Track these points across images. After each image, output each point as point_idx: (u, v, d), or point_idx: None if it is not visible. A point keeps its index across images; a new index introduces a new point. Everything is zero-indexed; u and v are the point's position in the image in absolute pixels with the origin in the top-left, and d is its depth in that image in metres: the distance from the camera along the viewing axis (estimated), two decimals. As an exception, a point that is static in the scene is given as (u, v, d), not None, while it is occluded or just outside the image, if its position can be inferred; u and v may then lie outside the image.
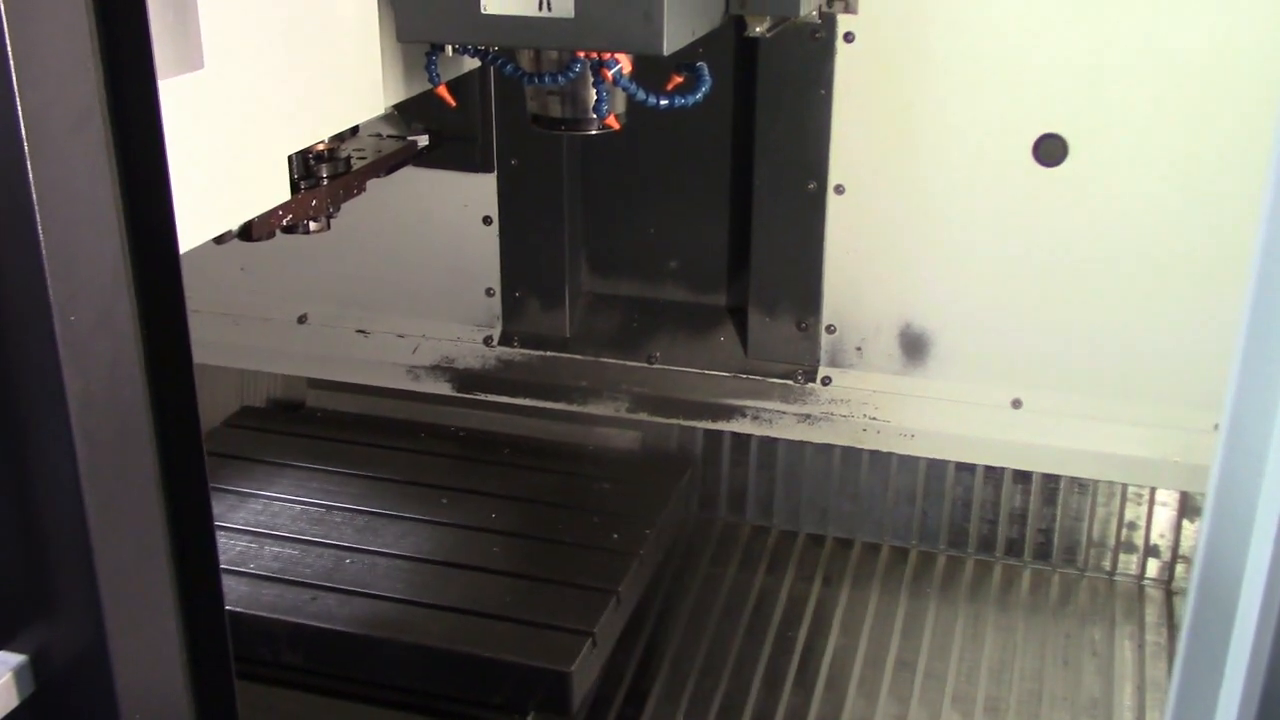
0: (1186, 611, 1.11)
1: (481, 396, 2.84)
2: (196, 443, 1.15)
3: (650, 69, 2.01)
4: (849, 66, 2.43)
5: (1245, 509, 1.04)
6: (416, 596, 2.33)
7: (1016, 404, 2.57)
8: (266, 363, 3.01)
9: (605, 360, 2.78)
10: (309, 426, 2.99)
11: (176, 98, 1.47)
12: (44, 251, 0.98)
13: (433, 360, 2.86)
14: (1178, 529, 2.70)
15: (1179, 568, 2.71)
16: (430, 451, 2.86)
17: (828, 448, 2.78)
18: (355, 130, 2.22)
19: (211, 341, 2.93)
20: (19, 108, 0.95)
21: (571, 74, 1.91)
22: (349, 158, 2.07)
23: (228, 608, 1.23)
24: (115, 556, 1.10)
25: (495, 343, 2.82)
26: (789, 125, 2.49)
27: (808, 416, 2.66)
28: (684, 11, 1.78)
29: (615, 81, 1.91)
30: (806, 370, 2.66)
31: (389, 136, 2.41)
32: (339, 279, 2.88)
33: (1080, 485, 2.71)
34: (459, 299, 2.82)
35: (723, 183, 2.66)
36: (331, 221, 2.03)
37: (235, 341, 2.95)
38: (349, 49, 1.86)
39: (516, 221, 2.72)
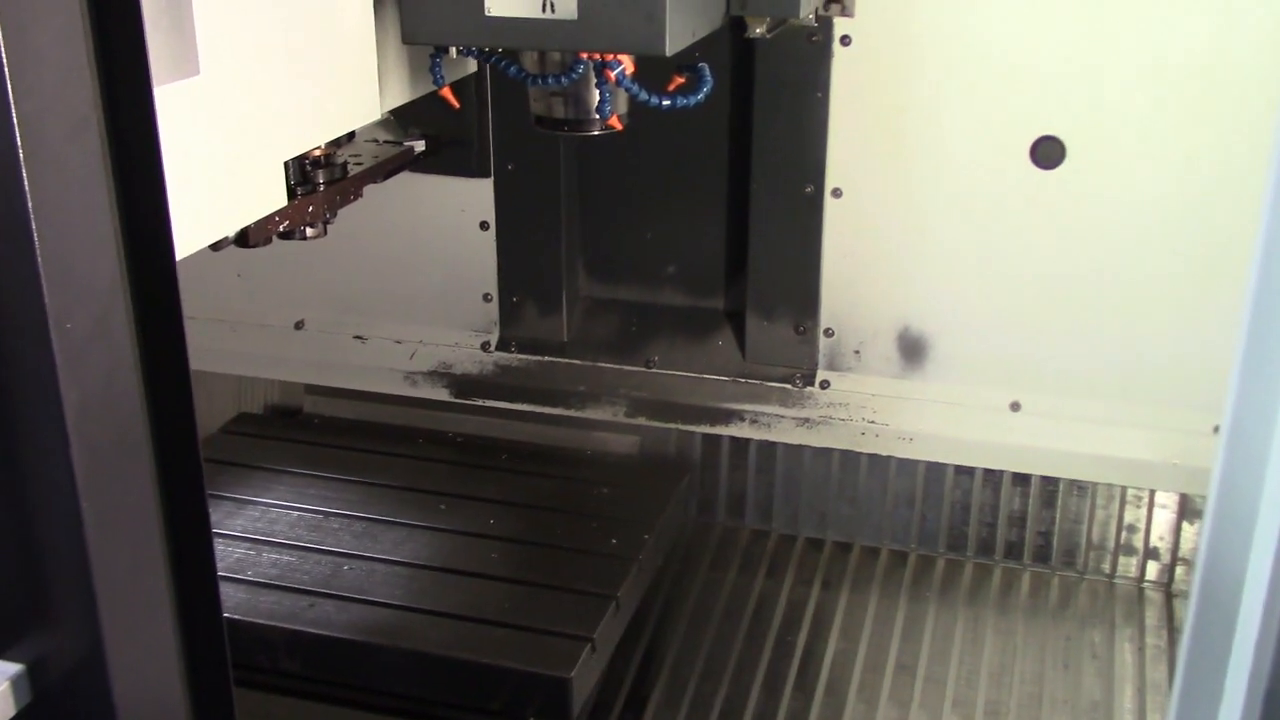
0: (1188, 615, 1.10)
1: (479, 402, 2.84)
2: (194, 450, 1.15)
3: (651, 70, 2.03)
4: (846, 70, 2.43)
5: (1246, 511, 1.04)
6: (415, 603, 2.32)
7: (1015, 407, 2.57)
8: (264, 369, 3.01)
9: (603, 365, 2.77)
10: (306, 433, 2.99)
11: (172, 104, 1.47)
12: (40, 259, 0.98)
13: (430, 366, 2.85)
14: (1177, 531, 2.70)
15: (1179, 570, 2.70)
16: (428, 457, 2.85)
17: (826, 451, 2.78)
18: (352, 136, 2.22)
19: (209, 348, 2.93)
20: (14, 115, 0.94)
21: (574, 75, 1.93)
22: (345, 163, 2.07)
23: (225, 615, 1.22)
24: (112, 564, 1.09)
25: (493, 348, 2.82)
26: (786, 129, 2.49)
27: (806, 420, 2.66)
28: (686, 12, 1.80)
29: (618, 82, 1.94)
30: (805, 374, 2.66)
31: (385, 142, 2.40)
32: (336, 285, 2.87)
33: (1079, 488, 2.71)
34: (456, 304, 2.82)
35: (720, 187, 2.66)
36: (328, 227, 2.03)
37: (232, 348, 2.95)
38: (345, 54, 1.86)
39: (513, 226, 2.72)
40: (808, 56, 2.43)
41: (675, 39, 1.77)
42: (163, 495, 1.15)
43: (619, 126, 2.07)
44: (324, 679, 2.27)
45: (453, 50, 1.98)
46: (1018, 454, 2.59)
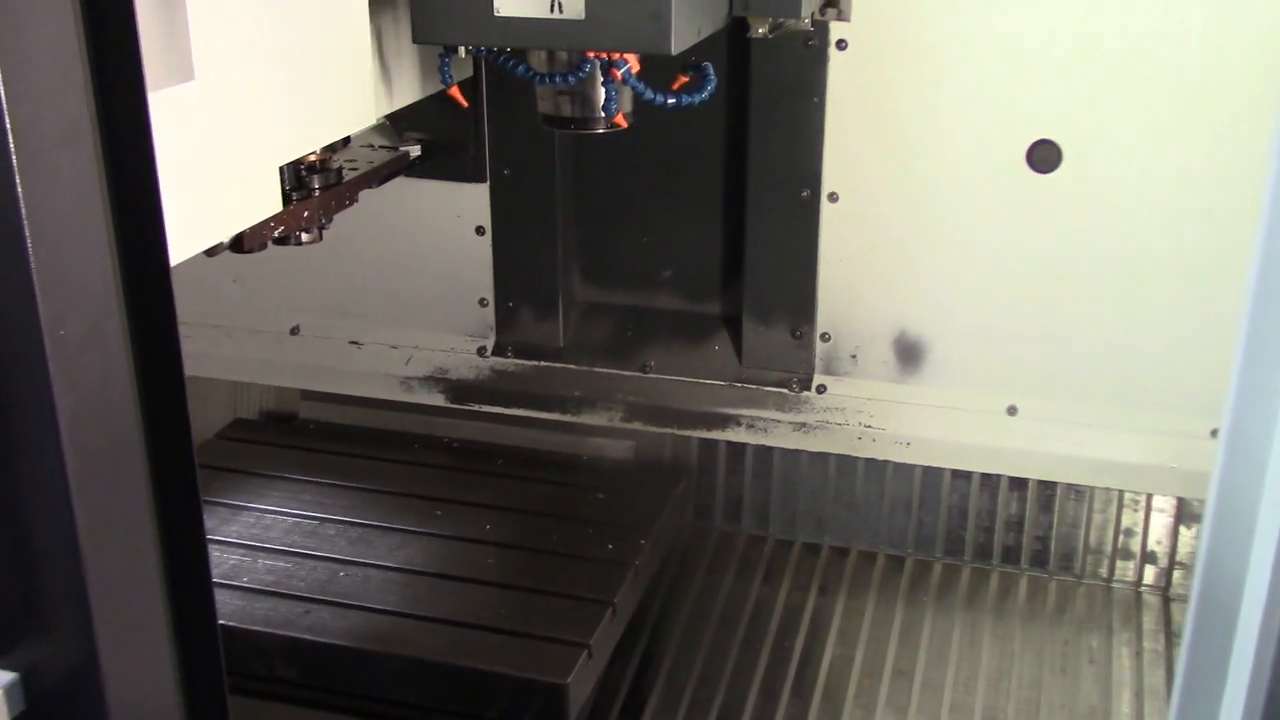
0: (1188, 620, 1.10)
1: (475, 407, 2.83)
2: (188, 456, 1.14)
3: (654, 71, 2.07)
4: (842, 74, 2.43)
5: (1246, 515, 1.03)
6: (411, 609, 2.32)
7: (1012, 411, 2.56)
8: (259, 375, 3.00)
9: (599, 370, 2.77)
10: (302, 438, 2.98)
11: (167, 110, 1.46)
12: (33, 265, 0.97)
13: (426, 371, 2.85)
14: (1174, 535, 2.70)
15: (1176, 574, 2.70)
16: (424, 463, 2.85)
17: (823, 456, 2.78)
18: (347, 141, 2.22)
19: (203, 354, 2.92)
20: (8, 121, 0.94)
21: (581, 74, 1.98)
22: (340, 169, 2.07)
23: (221, 622, 1.22)
24: (107, 571, 1.09)
25: (489, 353, 2.81)
26: (782, 133, 2.49)
27: (803, 425, 2.66)
28: (690, 12, 1.85)
29: (624, 81, 1.99)
30: (801, 379, 2.66)
31: (381, 147, 2.40)
32: (331, 290, 2.87)
33: (1076, 492, 2.71)
34: (452, 309, 2.82)
35: (716, 191, 2.65)
36: (323, 233, 2.02)
37: (227, 354, 2.94)
38: (340, 60, 1.86)
39: (509, 231, 2.72)
40: (804, 61, 2.43)
41: (680, 38, 1.81)
42: (157, 501, 1.14)
43: (625, 125, 2.11)
44: (320, 686, 2.27)
45: (461, 50, 2.01)
46: (1015, 458, 2.59)
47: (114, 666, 1.11)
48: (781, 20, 2.13)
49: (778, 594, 2.71)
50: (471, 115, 2.55)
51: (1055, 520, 2.73)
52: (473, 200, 2.70)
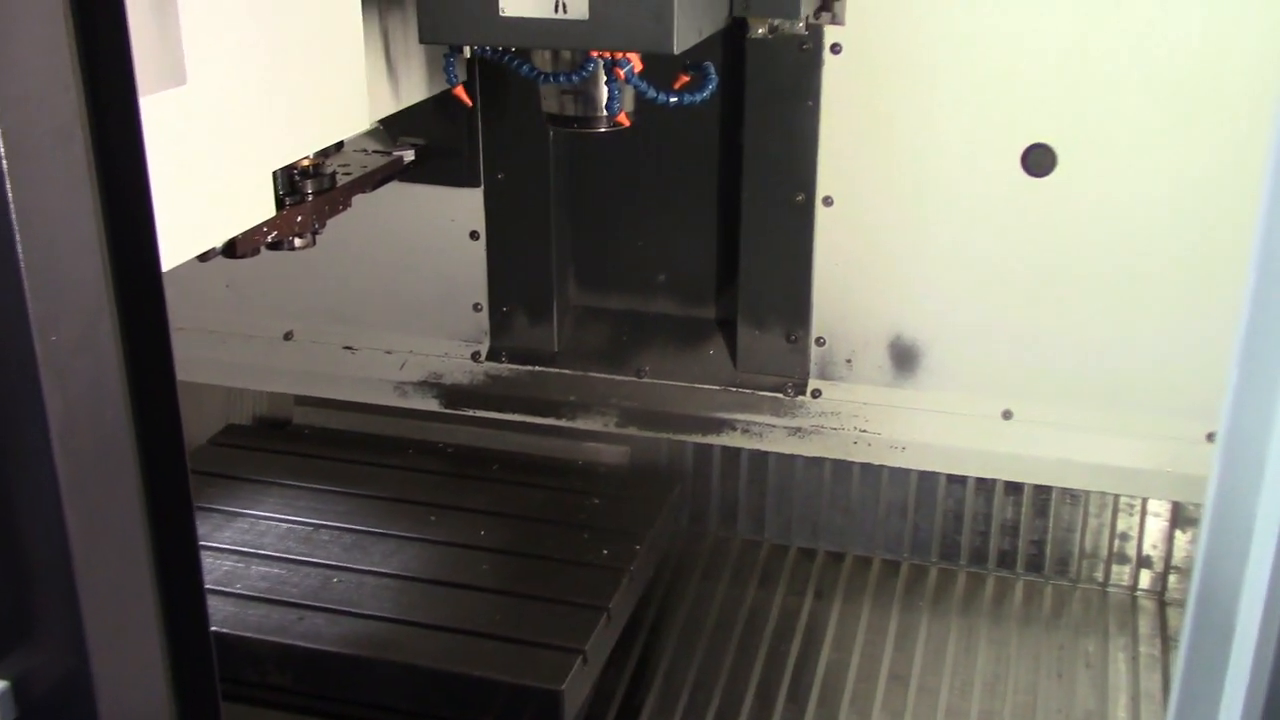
0: (1186, 624, 1.10)
1: (469, 412, 2.82)
2: (180, 462, 1.14)
3: (654, 71, 2.11)
4: (836, 78, 2.43)
5: (1244, 519, 1.03)
6: (405, 615, 2.31)
7: (1007, 415, 2.56)
8: (252, 380, 2.99)
9: (594, 375, 2.76)
10: (295, 444, 2.98)
11: (159, 114, 1.46)
12: (23, 270, 0.97)
13: (420, 376, 2.84)
14: (1170, 539, 2.69)
15: (1172, 578, 2.70)
16: (418, 468, 2.84)
17: (818, 461, 2.77)
18: (340, 146, 2.21)
19: (196, 359, 2.91)
20: (-2, 124, 0.93)
21: (585, 73, 2.03)
22: (334, 173, 2.06)
23: (214, 629, 1.21)
24: (98, 578, 1.08)
25: (483, 358, 2.81)
26: (777, 137, 2.49)
27: (798, 430, 2.65)
28: (692, 12, 1.89)
29: (627, 80, 2.04)
30: (796, 383, 2.65)
31: (374, 152, 2.40)
32: (325, 295, 2.86)
33: (1072, 496, 2.71)
34: (446, 314, 2.81)
35: (711, 195, 2.65)
36: (317, 237, 2.02)
37: (220, 359, 2.93)
38: (333, 64, 1.85)
39: (503, 236, 2.71)
40: (798, 65, 2.43)
41: (682, 37, 1.85)
42: (149, 508, 1.14)
43: (627, 123, 2.15)
44: (314, 693, 2.26)
45: (466, 50, 2.04)
46: (1010, 462, 2.58)
47: (106, 674, 1.10)
48: (778, 22, 2.15)
49: (773, 599, 2.70)
50: (465, 120, 2.55)
51: (1051, 524, 2.73)
52: (467, 205, 2.70)
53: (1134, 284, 2.42)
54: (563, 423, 2.78)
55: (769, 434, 2.67)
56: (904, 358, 2.59)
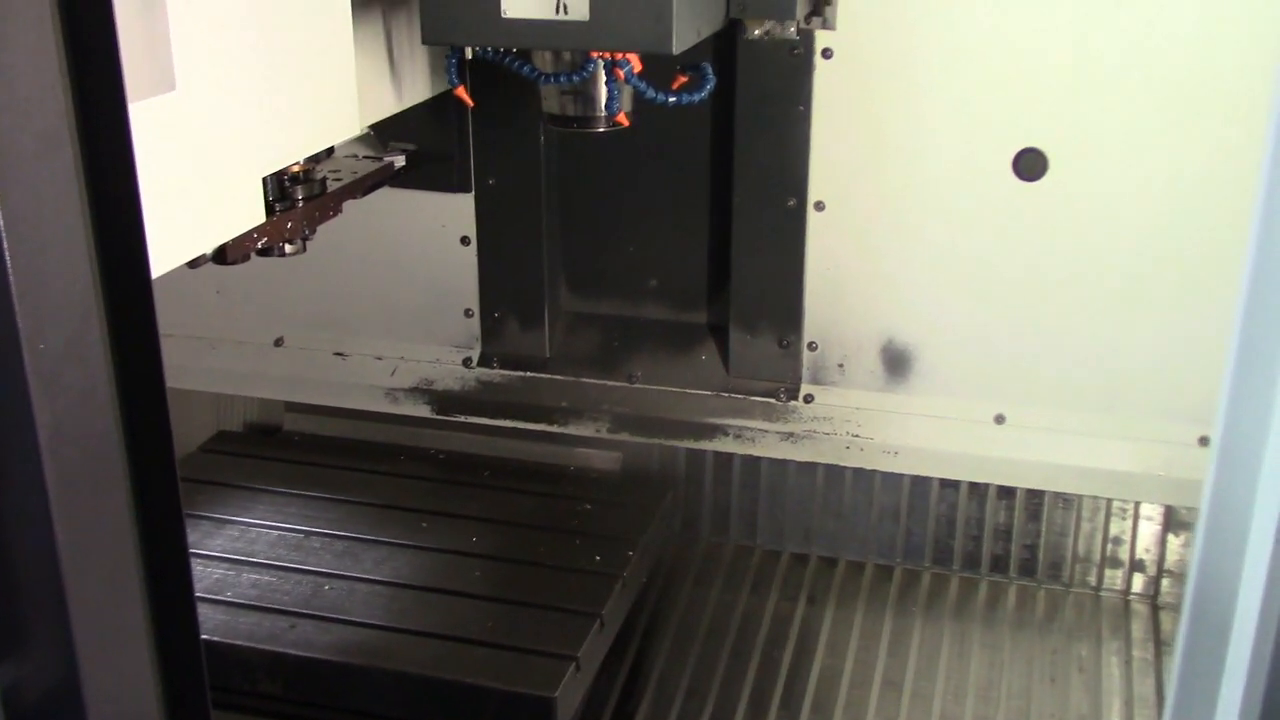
0: (1181, 629, 1.09)
1: (461, 418, 2.82)
2: (170, 469, 1.13)
3: (652, 72, 2.13)
4: (828, 83, 2.43)
5: (1238, 523, 1.03)
6: (397, 623, 2.30)
7: (1000, 420, 2.56)
8: (243, 386, 2.98)
9: (585, 380, 2.76)
10: (286, 450, 2.97)
11: (148, 120, 1.45)
12: (11, 278, 0.96)
13: (411, 382, 2.84)
14: (1163, 543, 2.69)
15: (1165, 582, 2.70)
16: (409, 475, 2.83)
17: (811, 466, 2.77)
18: (331, 151, 2.20)
19: (186, 366, 2.90)
20: (-15, 130, 0.93)
21: (585, 73, 2.06)
22: (324, 179, 2.05)
23: (204, 637, 1.21)
24: (87, 587, 1.08)
25: (474, 364, 2.80)
26: (768, 142, 2.49)
27: (790, 435, 2.65)
28: (691, 13, 1.91)
29: (627, 80, 2.07)
30: (789, 388, 2.65)
31: (365, 157, 2.39)
32: (315, 301, 2.86)
33: (1065, 501, 2.71)
34: (437, 320, 2.81)
35: (702, 200, 2.65)
36: (307, 244, 2.01)
37: (211, 365, 2.93)
38: (323, 70, 1.85)
39: (495, 241, 2.71)
40: (790, 69, 2.43)
41: (681, 38, 1.88)
42: (139, 515, 1.13)
43: (626, 123, 2.17)
44: (305, 701, 2.25)
45: (468, 51, 2.08)
46: (1003, 467, 2.58)
47: (95, 682, 1.09)
48: (772, 25, 2.17)
49: (766, 604, 2.70)
50: (456, 125, 2.54)
51: (1043, 529, 2.73)
52: (458, 210, 2.69)
53: (1126, 289, 2.42)
54: (554, 428, 2.78)
55: (761, 439, 2.67)
56: (896, 362, 2.59)
